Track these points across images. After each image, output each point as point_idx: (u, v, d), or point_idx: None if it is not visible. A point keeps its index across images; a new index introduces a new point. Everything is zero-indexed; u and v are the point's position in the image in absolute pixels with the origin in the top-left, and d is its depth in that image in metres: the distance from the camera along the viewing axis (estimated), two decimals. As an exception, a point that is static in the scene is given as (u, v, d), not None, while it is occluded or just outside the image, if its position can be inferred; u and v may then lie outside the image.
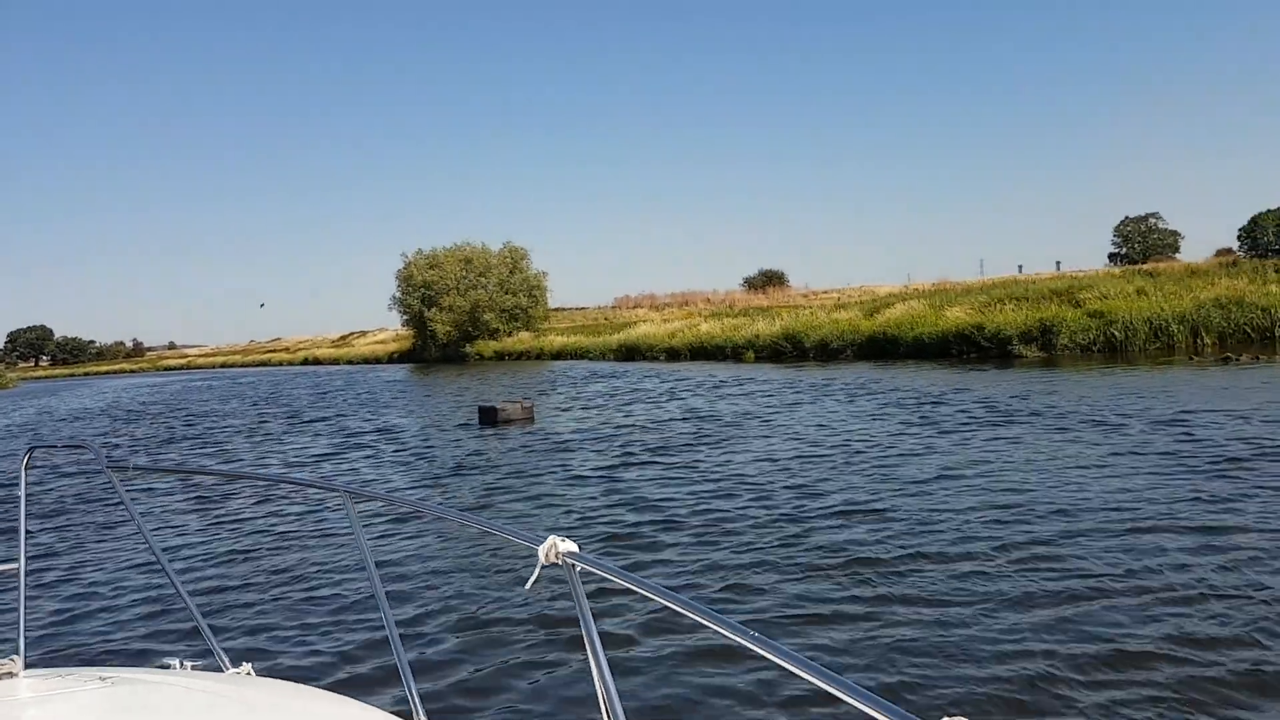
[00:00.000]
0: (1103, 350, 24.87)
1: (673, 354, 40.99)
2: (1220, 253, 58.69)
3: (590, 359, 46.33)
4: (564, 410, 19.53)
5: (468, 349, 60.47)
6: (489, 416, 17.55)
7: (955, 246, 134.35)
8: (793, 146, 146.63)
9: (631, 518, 8.20)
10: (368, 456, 14.23)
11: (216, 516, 9.72)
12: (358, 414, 22.45)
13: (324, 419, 21.68)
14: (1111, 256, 76.21)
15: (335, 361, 77.21)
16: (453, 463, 12.67)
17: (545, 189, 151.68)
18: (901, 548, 6.68)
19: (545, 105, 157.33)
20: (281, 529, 8.84)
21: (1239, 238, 64.15)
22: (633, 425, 15.55)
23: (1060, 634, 4.90)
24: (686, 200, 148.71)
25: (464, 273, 64.41)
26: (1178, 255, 66.61)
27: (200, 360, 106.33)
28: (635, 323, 54.36)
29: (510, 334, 61.40)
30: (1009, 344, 26.01)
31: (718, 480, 9.74)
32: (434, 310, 63.22)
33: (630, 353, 43.93)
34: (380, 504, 8.76)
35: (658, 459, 11.54)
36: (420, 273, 65.07)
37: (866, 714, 1.12)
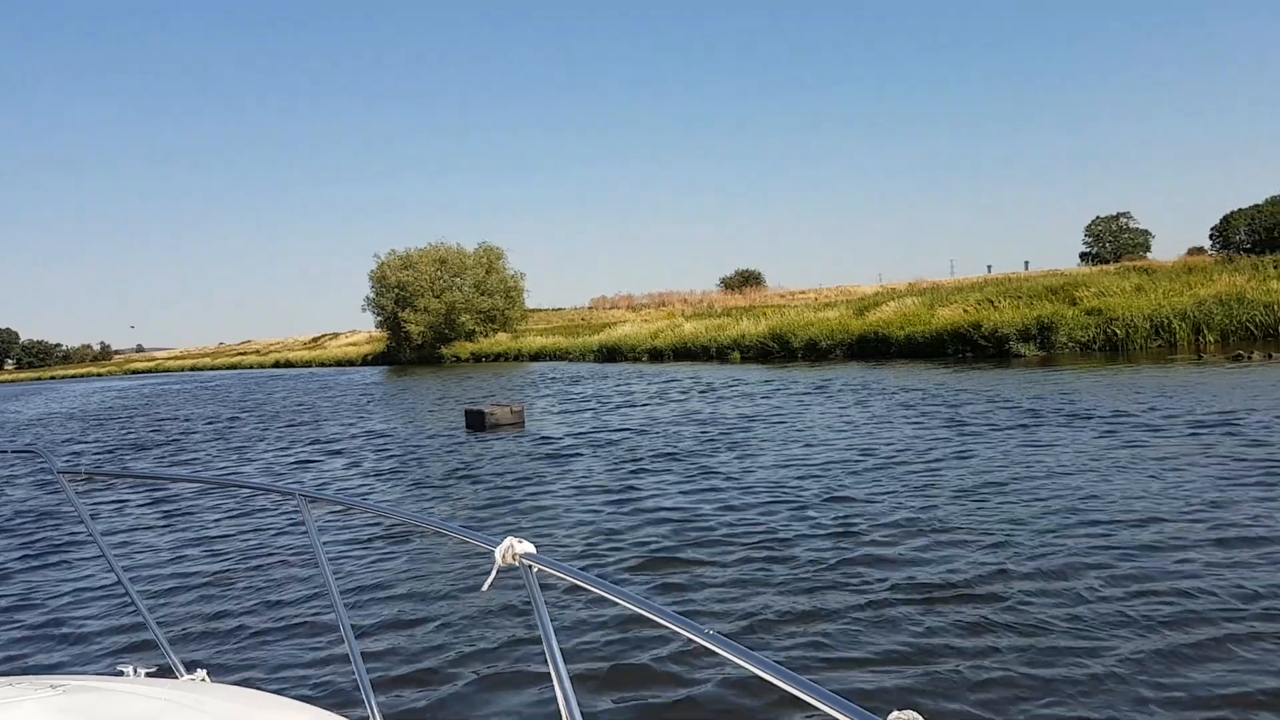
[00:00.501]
0: (1103, 348, 24.36)
1: (655, 355, 40.24)
2: (1192, 251, 58.90)
3: (570, 360, 45.46)
4: (554, 414, 18.65)
5: (444, 350, 59.33)
6: (477, 421, 16.63)
7: (925, 247, 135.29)
8: (766, 148, 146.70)
9: (659, 534, 7.35)
10: (350, 464, 13.29)
11: (171, 521, 9.30)
12: (336, 418, 21.44)
13: (301, 423, 20.66)
14: (1083, 256, 76.46)
15: (308, 364, 75.77)
16: (444, 471, 11.77)
17: (518, 189, 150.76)
18: (975, 566, 5.91)
19: (520, 105, 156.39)
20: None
21: (1211, 236, 64.60)
22: (632, 429, 14.71)
23: (1171, 673, 4.22)
24: (660, 201, 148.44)
25: (439, 273, 63.24)
26: (1149, 254, 66.84)
27: (169, 363, 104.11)
28: (614, 323, 53.57)
29: (487, 335, 60.33)
30: (1006, 343, 25.44)
31: (745, 490, 8.91)
32: (408, 312, 62.01)
33: (611, 354, 43.11)
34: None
35: (670, 467, 10.70)
36: (394, 273, 63.84)
37: (825, 712, 1.12)
